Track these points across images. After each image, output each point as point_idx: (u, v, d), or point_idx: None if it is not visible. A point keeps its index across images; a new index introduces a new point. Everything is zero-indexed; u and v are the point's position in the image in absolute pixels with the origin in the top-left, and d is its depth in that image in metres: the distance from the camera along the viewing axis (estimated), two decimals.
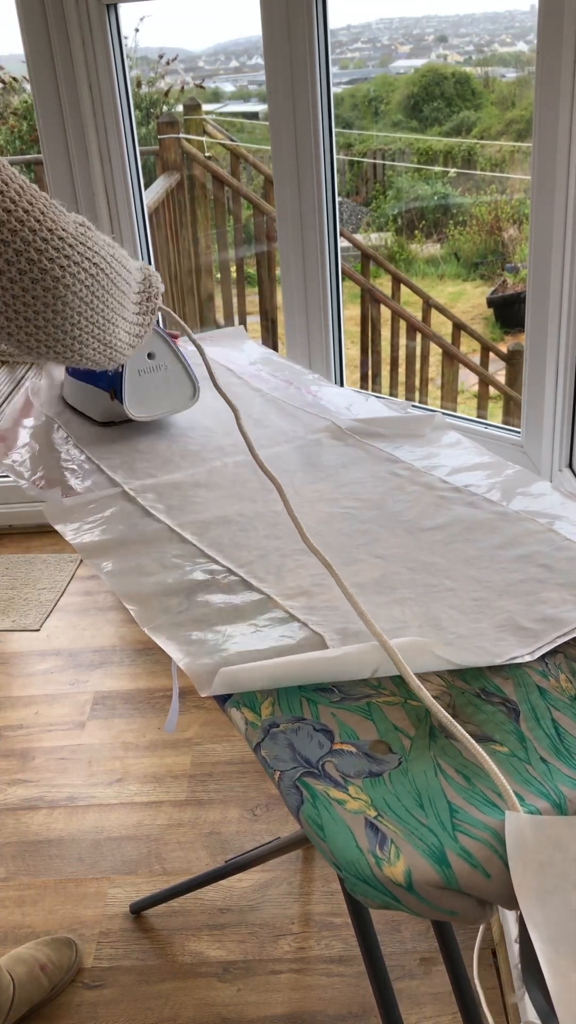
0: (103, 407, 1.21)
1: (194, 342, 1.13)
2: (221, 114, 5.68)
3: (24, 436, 1.24)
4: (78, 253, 0.84)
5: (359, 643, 0.76)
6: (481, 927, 1.46)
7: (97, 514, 1.02)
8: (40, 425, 1.27)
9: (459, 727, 0.65)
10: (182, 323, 1.15)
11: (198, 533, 0.96)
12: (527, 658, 0.73)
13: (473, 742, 0.64)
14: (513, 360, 4.20)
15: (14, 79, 5.07)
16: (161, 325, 1.18)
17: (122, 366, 1.14)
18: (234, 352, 1.49)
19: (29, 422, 1.28)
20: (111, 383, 1.18)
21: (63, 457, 1.17)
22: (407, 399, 4.17)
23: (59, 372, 1.39)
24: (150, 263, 2.49)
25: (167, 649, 0.79)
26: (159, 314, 1.06)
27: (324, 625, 0.79)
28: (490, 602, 0.81)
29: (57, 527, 1.00)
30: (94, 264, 0.86)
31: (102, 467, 1.12)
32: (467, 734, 0.65)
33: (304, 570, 0.88)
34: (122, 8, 2.18)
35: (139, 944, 1.50)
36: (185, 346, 1.36)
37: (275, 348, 4.17)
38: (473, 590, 0.83)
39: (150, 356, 1.18)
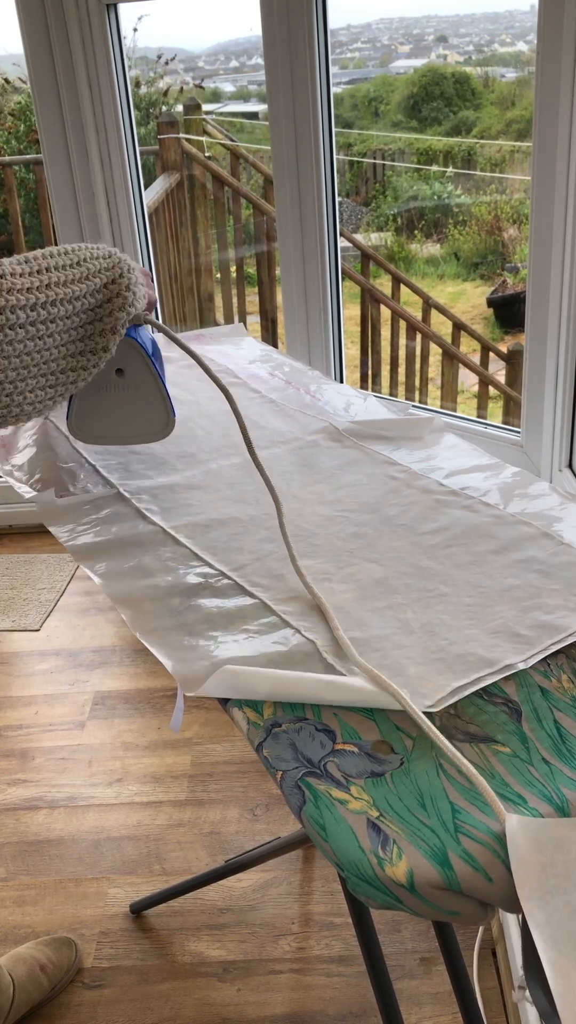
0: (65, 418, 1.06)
1: (192, 354, 0.95)
2: (221, 114, 5.68)
3: (24, 439, 1.24)
4: None
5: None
6: (481, 927, 1.46)
7: (91, 516, 1.01)
8: (39, 427, 1.27)
9: (460, 756, 0.65)
10: (173, 335, 0.96)
11: (193, 536, 0.96)
12: (521, 666, 0.73)
13: (468, 764, 0.64)
14: (513, 360, 4.20)
15: (7, 80, 5.07)
16: (140, 333, 0.97)
17: None
18: (233, 349, 1.48)
19: (30, 425, 1.28)
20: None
21: (60, 459, 1.17)
22: (407, 399, 4.17)
23: None
24: (150, 263, 2.49)
25: (158, 654, 0.78)
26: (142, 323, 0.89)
27: (317, 631, 0.79)
28: (485, 607, 0.80)
29: (51, 529, 1.00)
30: None
31: (98, 468, 1.12)
32: (467, 762, 0.65)
33: (298, 575, 0.88)
34: (121, 8, 2.18)
35: (139, 944, 1.50)
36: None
37: (275, 348, 4.16)
38: (468, 595, 0.82)
39: (119, 372, 0.97)
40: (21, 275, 0.75)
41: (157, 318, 1.04)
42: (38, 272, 0.77)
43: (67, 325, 0.80)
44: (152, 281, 0.99)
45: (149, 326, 0.96)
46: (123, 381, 0.97)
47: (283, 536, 0.89)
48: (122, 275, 0.85)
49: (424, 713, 0.70)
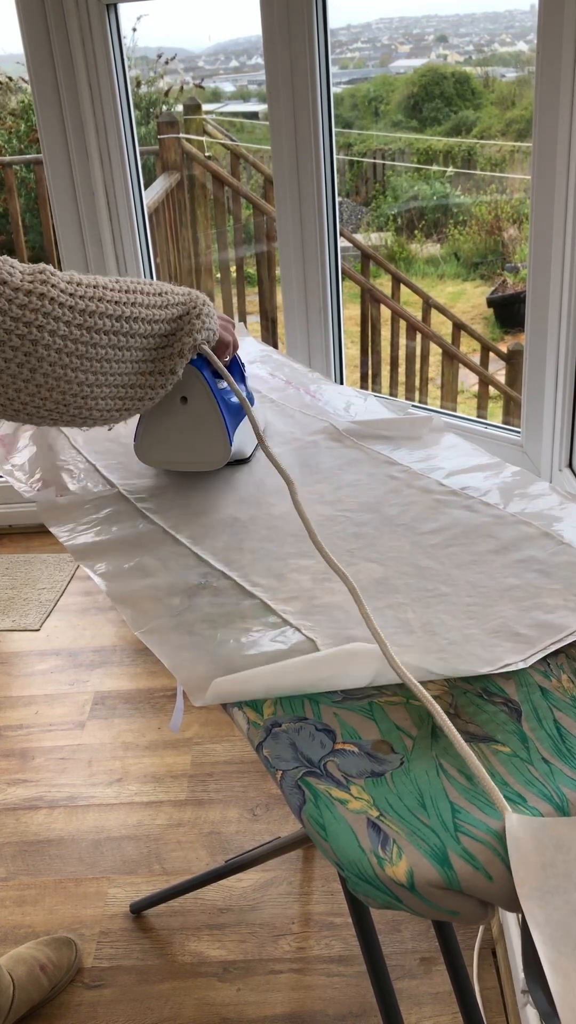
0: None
1: (241, 399, 0.99)
2: (221, 114, 5.68)
3: (24, 439, 1.24)
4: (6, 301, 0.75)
5: (352, 649, 0.76)
6: (481, 927, 1.46)
7: (92, 515, 1.01)
8: (39, 427, 1.27)
9: (464, 744, 0.65)
10: (227, 376, 0.98)
11: (192, 536, 0.96)
12: (520, 665, 0.73)
13: (473, 756, 0.64)
14: (513, 360, 4.20)
15: (9, 78, 5.07)
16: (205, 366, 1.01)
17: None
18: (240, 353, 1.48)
19: (30, 426, 1.28)
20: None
21: (60, 458, 1.17)
22: (407, 399, 4.17)
23: None
24: (150, 263, 2.49)
25: (158, 654, 0.79)
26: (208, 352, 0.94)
27: (316, 630, 0.79)
28: (485, 607, 0.80)
29: (51, 528, 1.00)
30: (30, 341, 0.76)
31: (98, 468, 1.12)
32: (470, 752, 0.65)
33: (298, 575, 0.88)
34: (121, 8, 2.18)
35: (139, 944, 1.50)
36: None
37: (275, 348, 4.16)
38: (468, 595, 0.82)
39: (183, 400, 1.01)
40: (112, 290, 0.83)
41: (236, 361, 1.10)
42: (126, 291, 0.85)
43: (143, 344, 0.87)
44: (234, 326, 1.05)
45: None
46: (186, 409, 1.02)
47: (299, 513, 0.88)
48: (196, 307, 0.93)
49: (424, 714, 0.70)
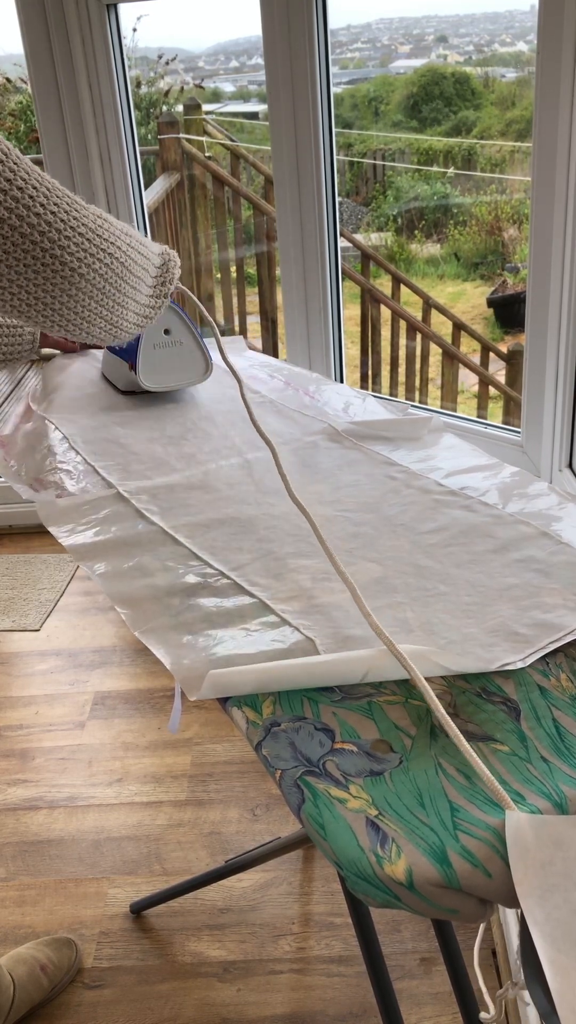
0: (124, 377, 1.30)
1: (209, 321, 1.24)
2: (221, 114, 5.68)
3: (24, 440, 1.24)
4: (95, 246, 0.89)
5: (348, 648, 0.76)
6: (481, 927, 1.46)
7: (91, 516, 1.02)
8: (38, 428, 1.27)
9: (463, 739, 0.65)
10: (199, 304, 1.25)
11: (192, 536, 0.96)
12: (518, 664, 0.73)
13: (472, 753, 0.64)
14: (513, 360, 4.20)
15: (8, 79, 5.07)
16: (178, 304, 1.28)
17: (138, 339, 1.23)
18: (233, 356, 1.49)
19: (29, 427, 1.28)
20: (131, 355, 1.27)
21: (59, 459, 1.17)
22: (407, 399, 4.17)
23: (58, 376, 1.38)
24: None
25: (157, 653, 0.79)
26: (178, 293, 1.14)
27: (315, 629, 0.79)
28: (483, 606, 0.80)
29: (51, 529, 1.00)
30: (109, 255, 0.91)
31: (97, 469, 1.12)
32: (469, 748, 0.65)
33: (297, 574, 0.88)
34: (121, 8, 2.18)
35: (139, 944, 1.50)
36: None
37: (275, 348, 4.17)
38: (467, 594, 0.83)
39: (166, 332, 1.26)
40: (130, 235, 0.98)
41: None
42: (135, 232, 1.02)
43: (150, 276, 1.04)
44: None
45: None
46: (170, 339, 1.28)
47: (282, 478, 0.99)
48: (169, 250, 1.12)
49: (424, 712, 0.70)
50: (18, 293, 0.86)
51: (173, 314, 1.27)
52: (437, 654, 0.72)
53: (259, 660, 0.76)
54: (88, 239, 0.88)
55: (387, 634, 0.73)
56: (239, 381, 1.18)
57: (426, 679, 0.73)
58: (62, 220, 0.85)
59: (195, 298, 1.23)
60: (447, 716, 0.66)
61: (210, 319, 1.25)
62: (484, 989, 1.35)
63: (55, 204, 0.85)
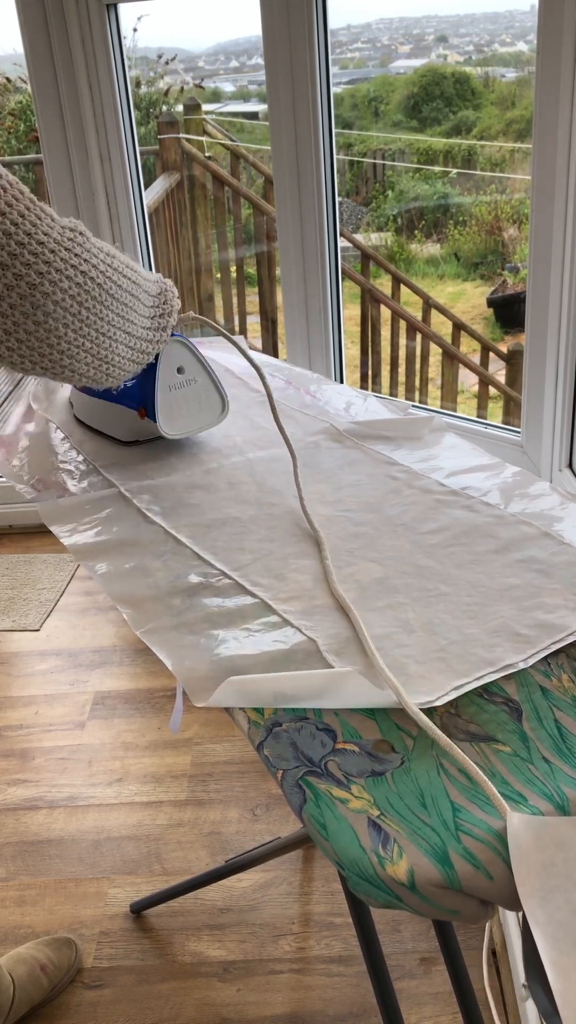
0: (129, 426, 1.16)
1: (241, 348, 1.15)
2: (221, 114, 5.68)
3: (24, 440, 1.24)
4: (60, 259, 0.80)
5: (349, 647, 0.76)
6: (486, 929, 1.46)
7: (92, 515, 1.02)
8: (39, 427, 1.27)
9: (461, 753, 0.65)
10: (223, 331, 1.15)
11: (193, 536, 0.96)
12: (520, 665, 0.73)
13: (473, 766, 0.64)
14: (513, 360, 4.20)
15: (8, 79, 5.07)
16: (184, 336, 1.18)
17: (152, 381, 1.10)
18: (234, 356, 1.48)
19: (31, 427, 1.28)
20: (140, 401, 1.12)
21: (60, 459, 1.17)
22: (407, 399, 4.17)
23: (61, 385, 1.38)
24: (150, 263, 2.49)
25: (159, 653, 0.79)
26: (184, 326, 1.08)
27: (317, 630, 0.79)
28: (485, 607, 0.80)
29: (52, 528, 1.00)
30: (81, 272, 0.83)
31: (99, 468, 1.12)
32: (469, 761, 0.65)
33: (299, 574, 0.88)
34: (121, 8, 2.18)
35: (139, 944, 1.50)
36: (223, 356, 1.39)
37: (275, 348, 4.17)
38: (468, 594, 0.82)
39: (179, 371, 1.13)
40: (115, 257, 0.91)
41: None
42: (125, 257, 0.95)
43: (144, 306, 0.97)
44: None
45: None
46: (184, 377, 1.14)
47: (296, 484, 0.99)
48: (165, 280, 1.05)
49: (425, 711, 0.70)
50: None
51: (183, 349, 1.13)
52: (441, 687, 0.71)
53: (261, 661, 0.76)
54: (50, 250, 0.80)
55: (402, 691, 0.72)
56: (268, 391, 1.12)
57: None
58: (13, 223, 0.77)
59: (209, 320, 1.14)
60: (454, 746, 0.66)
61: (225, 331, 1.16)
62: (489, 993, 1.35)
63: (19, 214, 0.78)
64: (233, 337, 1.15)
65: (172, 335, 1.08)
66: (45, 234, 0.80)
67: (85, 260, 0.83)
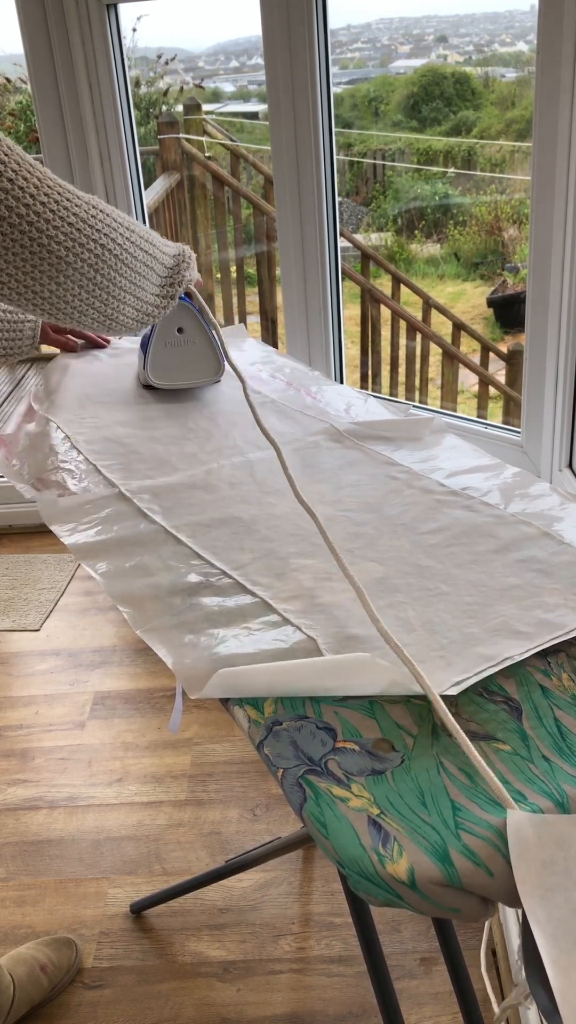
0: (139, 371, 1.32)
1: (212, 324, 1.24)
2: (221, 114, 5.68)
3: (25, 440, 1.24)
4: (85, 236, 0.91)
5: (350, 649, 0.76)
6: (485, 928, 1.46)
7: (93, 515, 1.02)
8: (40, 427, 1.27)
9: (475, 752, 0.65)
10: (205, 307, 1.24)
11: (194, 535, 0.96)
12: (517, 657, 0.73)
13: (482, 762, 0.64)
14: (513, 360, 4.20)
15: (7, 79, 5.07)
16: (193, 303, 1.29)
17: (151, 336, 1.24)
18: (234, 351, 1.49)
19: (31, 427, 1.28)
20: (143, 350, 1.28)
21: (61, 458, 1.17)
22: (407, 399, 4.17)
23: (60, 376, 1.38)
24: None
25: (159, 652, 0.79)
26: (196, 294, 1.18)
27: (317, 629, 0.79)
28: (485, 607, 0.80)
29: (52, 528, 1.00)
30: (100, 246, 0.93)
31: (99, 468, 1.12)
32: (481, 760, 0.65)
33: (299, 573, 0.88)
34: (121, 8, 2.18)
35: (139, 944, 1.50)
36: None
37: (275, 348, 4.17)
38: (468, 594, 0.83)
39: (180, 330, 1.26)
40: (134, 232, 1.00)
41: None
42: (146, 231, 1.04)
43: (157, 276, 1.06)
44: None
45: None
46: (183, 337, 1.27)
47: (288, 479, 0.99)
48: (186, 251, 1.14)
49: (424, 710, 0.70)
50: (5, 280, 0.88)
51: (188, 313, 1.26)
52: (442, 683, 0.71)
53: (262, 660, 0.76)
54: (78, 228, 0.90)
55: (406, 653, 0.73)
56: (243, 382, 1.18)
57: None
58: (51, 210, 0.87)
59: (201, 300, 1.23)
60: (463, 734, 0.66)
61: (213, 320, 1.25)
62: (490, 992, 1.35)
63: (45, 194, 0.87)
64: (220, 328, 1.26)
65: (181, 299, 1.17)
66: (72, 212, 0.90)
67: (105, 234, 0.93)
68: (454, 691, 0.69)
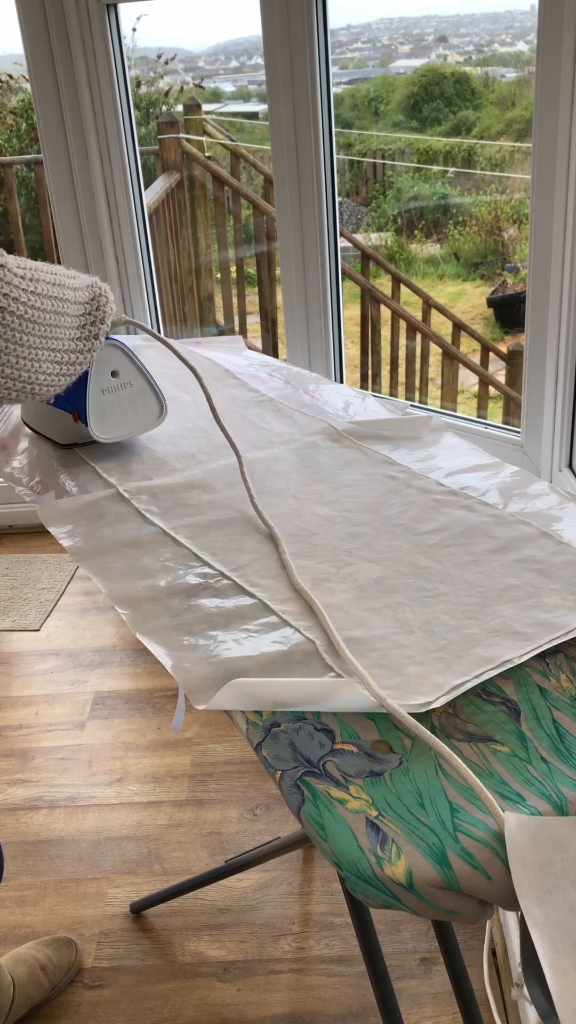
0: (65, 429, 1.16)
1: (173, 349, 1.11)
2: (221, 114, 5.68)
3: (24, 442, 1.24)
4: None
5: (352, 648, 0.76)
6: (487, 928, 1.46)
7: (91, 516, 1.02)
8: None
9: (456, 757, 0.65)
10: (154, 333, 1.13)
11: (192, 536, 0.96)
12: (516, 660, 0.73)
13: (466, 768, 0.64)
14: (513, 360, 4.20)
15: (10, 76, 5.06)
16: (120, 339, 1.15)
17: (85, 385, 1.09)
18: (232, 356, 1.49)
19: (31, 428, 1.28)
20: (74, 405, 1.12)
21: (59, 460, 1.17)
22: (407, 399, 4.17)
23: None
24: (150, 263, 2.49)
25: (157, 654, 0.78)
26: (122, 327, 1.07)
27: (316, 631, 0.79)
28: (484, 607, 0.80)
29: (51, 529, 1.00)
30: (0, 309, 0.85)
31: (97, 469, 1.12)
32: (461, 762, 0.65)
33: (300, 575, 0.88)
34: (121, 8, 2.18)
35: (139, 944, 1.50)
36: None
37: (275, 348, 4.17)
38: (467, 594, 0.82)
39: (114, 374, 1.11)
40: (41, 269, 0.93)
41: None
42: (49, 269, 0.95)
43: (75, 311, 0.98)
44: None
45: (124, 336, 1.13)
46: (119, 381, 1.12)
47: (244, 482, 1.00)
48: (97, 282, 1.04)
49: (424, 711, 0.70)
50: None
51: (118, 352, 1.11)
52: (440, 687, 0.71)
53: (261, 662, 0.76)
54: None
55: (387, 698, 0.71)
56: (199, 378, 1.10)
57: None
58: None
59: (143, 324, 1.13)
60: (448, 749, 0.66)
61: (164, 339, 1.13)
62: (490, 992, 1.36)
63: None
64: (168, 340, 1.13)
65: (107, 339, 1.07)
66: (34, 302, 0.85)
67: (4, 295, 0.85)
68: (421, 709, 0.68)
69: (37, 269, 0.91)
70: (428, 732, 0.66)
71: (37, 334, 0.90)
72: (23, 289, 0.87)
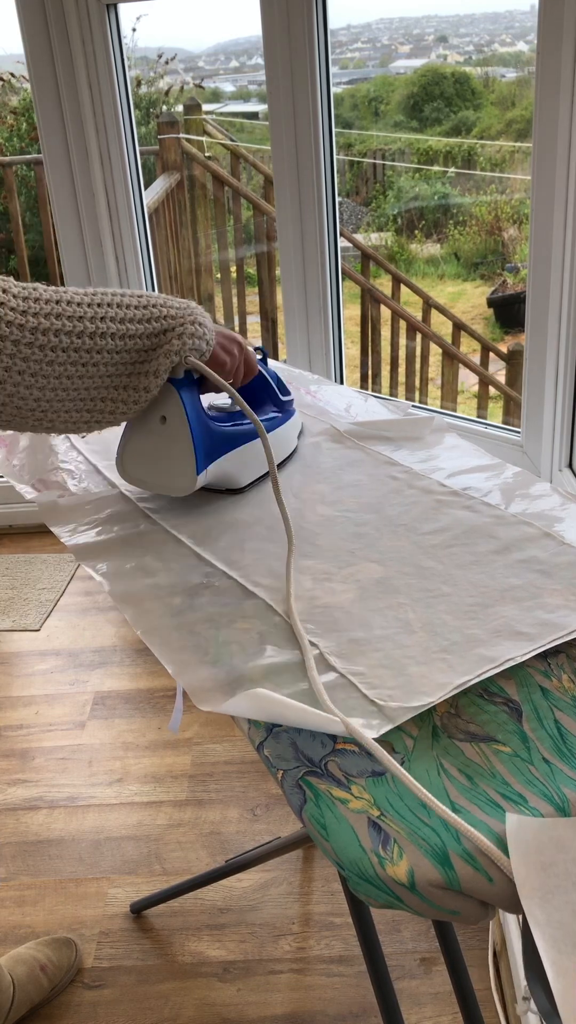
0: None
1: (250, 414, 0.96)
2: (221, 114, 5.67)
3: (25, 440, 1.24)
4: (38, 347, 0.79)
5: (353, 646, 0.76)
6: (489, 929, 1.46)
7: (93, 515, 1.02)
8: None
9: (409, 776, 0.64)
10: (226, 385, 0.94)
11: (194, 536, 0.96)
12: (519, 659, 0.73)
13: (420, 787, 0.64)
14: (513, 360, 4.20)
15: (12, 75, 5.06)
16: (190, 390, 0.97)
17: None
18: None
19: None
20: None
21: (61, 459, 1.17)
22: (407, 399, 4.17)
23: None
24: (150, 263, 2.49)
25: (159, 655, 0.78)
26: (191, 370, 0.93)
27: (318, 632, 0.79)
28: (486, 607, 0.80)
29: (53, 528, 1.00)
30: (61, 350, 0.80)
31: (100, 469, 1.12)
32: (415, 782, 0.64)
33: (301, 575, 0.88)
34: (121, 8, 2.18)
35: (139, 944, 1.50)
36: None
37: (275, 348, 4.17)
38: (469, 595, 0.82)
39: (163, 420, 0.96)
40: (78, 304, 0.82)
41: (264, 387, 1.08)
42: (96, 305, 0.84)
43: (113, 359, 0.85)
44: (240, 347, 1.01)
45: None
46: (165, 429, 0.96)
47: (287, 573, 0.88)
48: (182, 324, 0.89)
49: (426, 711, 0.70)
50: None
51: (173, 399, 0.94)
52: (442, 687, 0.70)
53: (261, 663, 0.76)
54: (40, 346, 0.77)
55: (340, 714, 0.68)
56: (286, 520, 0.94)
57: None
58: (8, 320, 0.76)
59: (206, 369, 0.93)
60: (406, 774, 0.66)
61: (250, 411, 0.95)
62: (492, 991, 1.35)
63: (10, 308, 0.76)
64: (233, 390, 0.96)
65: (170, 380, 0.93)
66: (33, 324, 0.78)
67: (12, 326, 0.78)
68: (374, 733, 0.66)
69: (64, 305, 0.82)
70: (386, 754, 0.66)
71: (42, 387, 0.82)
72: (14, 340, 0.79)
